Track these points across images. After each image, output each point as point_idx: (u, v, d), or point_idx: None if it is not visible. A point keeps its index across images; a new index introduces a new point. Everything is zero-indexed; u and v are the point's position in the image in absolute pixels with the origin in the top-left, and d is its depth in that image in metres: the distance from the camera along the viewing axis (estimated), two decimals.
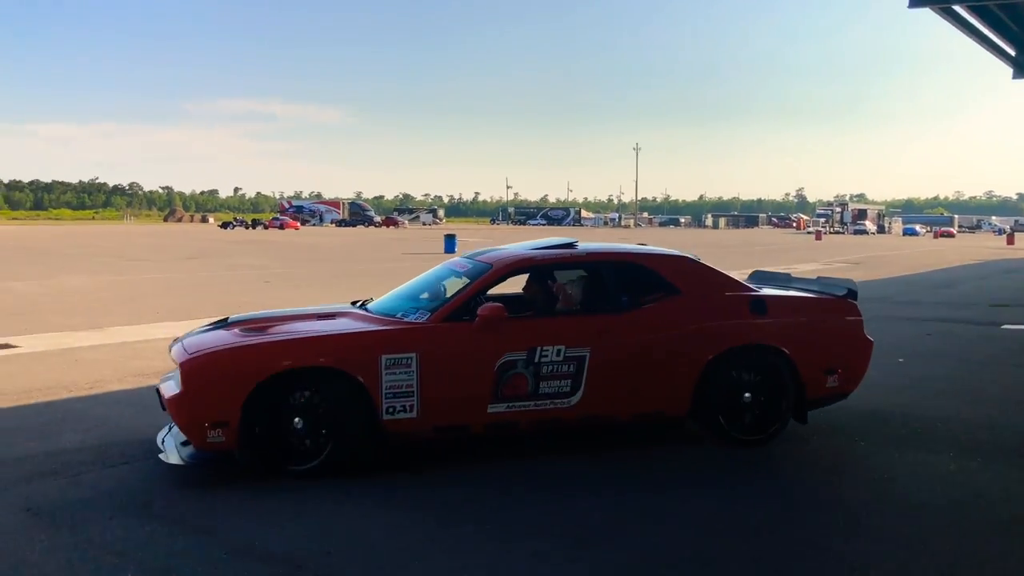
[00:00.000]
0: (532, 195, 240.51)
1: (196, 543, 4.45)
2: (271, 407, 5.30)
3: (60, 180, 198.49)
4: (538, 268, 6.58)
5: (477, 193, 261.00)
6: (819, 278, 7.58)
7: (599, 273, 6.35)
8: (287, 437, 5.35)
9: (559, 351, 5.73)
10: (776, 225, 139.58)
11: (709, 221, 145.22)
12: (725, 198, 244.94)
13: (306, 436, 5.36)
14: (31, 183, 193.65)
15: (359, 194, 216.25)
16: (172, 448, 5.64)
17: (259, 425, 5.27)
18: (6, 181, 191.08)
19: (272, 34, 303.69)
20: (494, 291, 6.26)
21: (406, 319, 5.88)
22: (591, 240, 9.11)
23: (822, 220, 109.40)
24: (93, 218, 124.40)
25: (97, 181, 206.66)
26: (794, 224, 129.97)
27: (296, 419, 5.34)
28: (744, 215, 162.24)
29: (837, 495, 5.36)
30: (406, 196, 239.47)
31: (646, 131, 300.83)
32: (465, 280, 6.15)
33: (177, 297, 17.20)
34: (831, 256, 39.37)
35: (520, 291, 6.83)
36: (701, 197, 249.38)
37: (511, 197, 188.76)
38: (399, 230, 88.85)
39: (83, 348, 10.69)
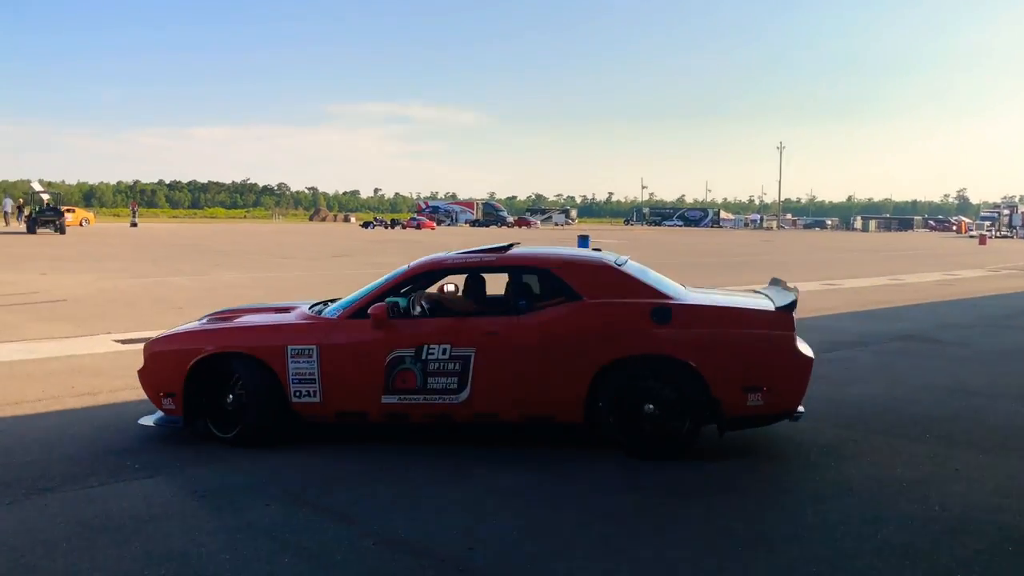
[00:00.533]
0: (668, 195, 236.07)
1: (345, 532, 4.64)
2: (208, 384, 6.33)
3: (215, 180, 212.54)
4: (448, 271, 6.89)
5: (611, 193, 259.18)
6: (771, 284, 7.40)
7: (509, 277, 6.60)
8: (221, 410, 6.35)
9: (444, 349, 6.06)
10: (933, 228, 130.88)
11: (858, 223, 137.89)
12: (876, 199, 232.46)
13: (233, 410, 6.30)
14: (189, 183, 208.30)
15: (492, 194, 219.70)
16: (149, 417, 6.79)
17: (198, 397, 6.35)
18: (168, 181, 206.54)
19: (413, 38, 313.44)
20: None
21: (323, 315, 6.57)
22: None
23: (987, 223, 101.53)
24: (244, 217, 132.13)
25: (248, 182, 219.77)
26: (954, 227, 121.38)
27: (227, 395, 6.33)
28: (897, 217, 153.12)
29: (1013, 520, 4.96)
30: (538, 196, 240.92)
31: (790, 128, 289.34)
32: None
33: (326, 293, 17.98)
34: (997, 263, 36.56)
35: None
36: (849, 198, 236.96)
37: (646, 197, 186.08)
38: (531, 230, 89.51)
39: None
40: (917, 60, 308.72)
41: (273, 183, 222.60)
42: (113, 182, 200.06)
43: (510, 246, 6.94)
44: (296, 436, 6.47)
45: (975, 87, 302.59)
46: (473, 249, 6.99)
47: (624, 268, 6.62)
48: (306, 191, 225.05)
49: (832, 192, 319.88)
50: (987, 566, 4.30)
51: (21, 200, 49.94)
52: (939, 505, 5.20)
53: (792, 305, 6.17)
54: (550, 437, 6.60)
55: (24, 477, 5.47)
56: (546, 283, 6.49)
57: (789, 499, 5.33)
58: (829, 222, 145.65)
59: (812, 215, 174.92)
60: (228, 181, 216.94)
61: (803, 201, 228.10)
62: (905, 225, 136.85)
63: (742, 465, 5.99)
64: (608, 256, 7.06)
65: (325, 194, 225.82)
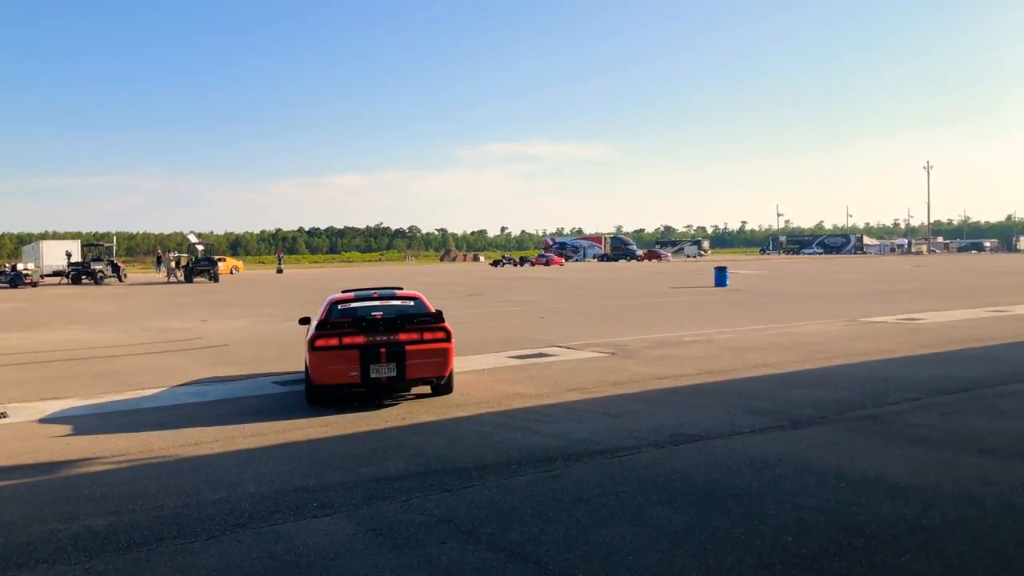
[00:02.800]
0: (805, 222, 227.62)
1: (521, 570, 4.64)
2: None
3: (351, 226, 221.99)
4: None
5: (744, 222, 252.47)
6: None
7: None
8: None
9: None
10: None
11: (1022, 244, 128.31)
12: None
13: None
14: (327, 229, 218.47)
15: (619, 228, 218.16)
16: None
17: None
18: (307, 228, 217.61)
19: (536, 77, 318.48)
20: None
21: None
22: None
23: None
24: (379, 259, 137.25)
25: (381, 226, 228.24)
26: None
27: None
28: None
29: None
30: (667, 228, 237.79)
31: (938, 145, 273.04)
32: None
33: (462, 333, 18.35)
34: None
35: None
36: (1009, 217, 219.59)
37: (781, 225, 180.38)
38: (662, 263, 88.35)
39: None
40: None
41: (404, 226, 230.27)
42: (256, 231, 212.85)
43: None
44: (463, 469, 6.60)
45: None
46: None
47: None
48: (436, 232, 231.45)
49: (988, 211, 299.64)
50: None
51: (180, 256, 54.10)
52: None
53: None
54: (728, 473, 6.43)
55: (217, 513, 5.81)
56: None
57: (991, 543, 4.93)
58: (987, 243, 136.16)
59: (966, 237, 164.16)
60: (362, 226, 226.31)
61: (955, 222, 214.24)
62: None
63: (931, 506, 5.61)
64: None
65: (454, 234, 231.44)
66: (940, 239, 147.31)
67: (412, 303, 11.22)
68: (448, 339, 10.05)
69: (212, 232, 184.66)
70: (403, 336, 9.85)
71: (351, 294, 11.40)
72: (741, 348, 14.66)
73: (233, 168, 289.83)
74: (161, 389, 11.48)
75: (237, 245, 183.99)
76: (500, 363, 13.39)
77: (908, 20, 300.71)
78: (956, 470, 6.58)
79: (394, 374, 9.76)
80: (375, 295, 11.36)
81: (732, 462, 6.96)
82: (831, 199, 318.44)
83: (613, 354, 14.18)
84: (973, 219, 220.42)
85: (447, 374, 10.21)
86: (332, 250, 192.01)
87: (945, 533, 5.13)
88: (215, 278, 47.02)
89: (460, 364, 12.96)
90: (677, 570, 4.59)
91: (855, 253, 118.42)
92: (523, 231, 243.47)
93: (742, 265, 66.65)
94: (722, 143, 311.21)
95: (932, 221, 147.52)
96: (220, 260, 55.26)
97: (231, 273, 58.34)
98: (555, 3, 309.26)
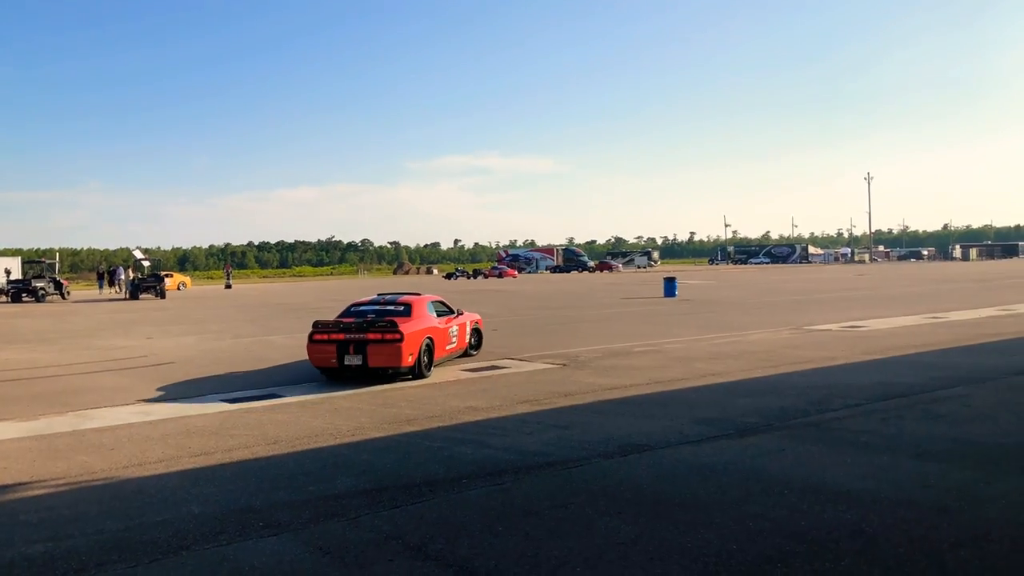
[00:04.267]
0: (752, 232, 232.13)
1: None
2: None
3: (302, 240, 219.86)
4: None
5: (693, 233, 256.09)
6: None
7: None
8: None
9: None
10: None
11: (957, 252, 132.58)
12: (974, 226, 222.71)
13: None
14: (277, 244, 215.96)
15: (571, 239, 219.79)
16: None
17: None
18: (256, 243, 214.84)
19: (488, 91, 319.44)
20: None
21: None
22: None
23: None
24: (331, 273, 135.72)
25: (333, 239, 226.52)
26: None
27: None
28: (999, 244, 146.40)
29: None
30: (618, 239, 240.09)
31: (878, 157, 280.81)
32: None
33: None
34: None
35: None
36: (945, 226, 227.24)
37: (729, 235, 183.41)
38: (613, 274, 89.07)
39: (339, 397, 11.64)
40: (1012, 75, 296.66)
41: (357, 239, 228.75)
42: (205, 245, 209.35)
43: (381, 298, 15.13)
44: (413, 485, 6.58)
45: None
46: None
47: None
48: (388, 245, 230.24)
49: (926, 221, 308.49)
50: None
51: (121, 267, 52.96)
52: None
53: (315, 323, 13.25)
54: (676, 482, 6.51)
55: (160, 536, 5.68)
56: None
57: (927, 546, 5.08)
58: (925, 252, 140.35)
59: (905, 246, 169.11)
60: (314, 240, 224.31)
61: (895, 232, 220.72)
62: (1009, 252, 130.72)
63: (870, 511, 5.76)
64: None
65: (407, 247, 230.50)
66: (881, 248, 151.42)
67: (401, 308, 14.26)
68: (401, 340, 12.70)
69: (159, 247, 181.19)
70: (370, 335, 12.85)
71: (367, 299, 15.47)
72: (690, 357, 14.87)
73: (181, 182, 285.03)
74: (104, 409, 11.20)
75: (185, 260, 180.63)
76: (452, 376, 13.37)
77: (849, 37, 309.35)
78: (895, 474, 6.76)
79: (360, 362, 12.81)
80: (382, 300, 14.93)
81: (680, 471, 7.06)
82: (777, 210, 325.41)
83: (565, 365, 14.26)
84: (912, 228, 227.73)
85: (403, 365, 12.83)
86: (283, 264, 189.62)
87: (884, 537, 5.26)
88: (162, 294, 46.00)
89: (410, 380, 13.00)
90: None
91: (801, 262, 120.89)
92: (476, 244, 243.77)
93: (691, 275, 67.60)
94: (671, 155, 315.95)
95: (874, 231, 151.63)
96: (167, 276, 54.15)
97: (178, 289, 57.15)
98: (503, 19, 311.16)
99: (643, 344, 17.13)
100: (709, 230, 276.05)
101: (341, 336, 12.92)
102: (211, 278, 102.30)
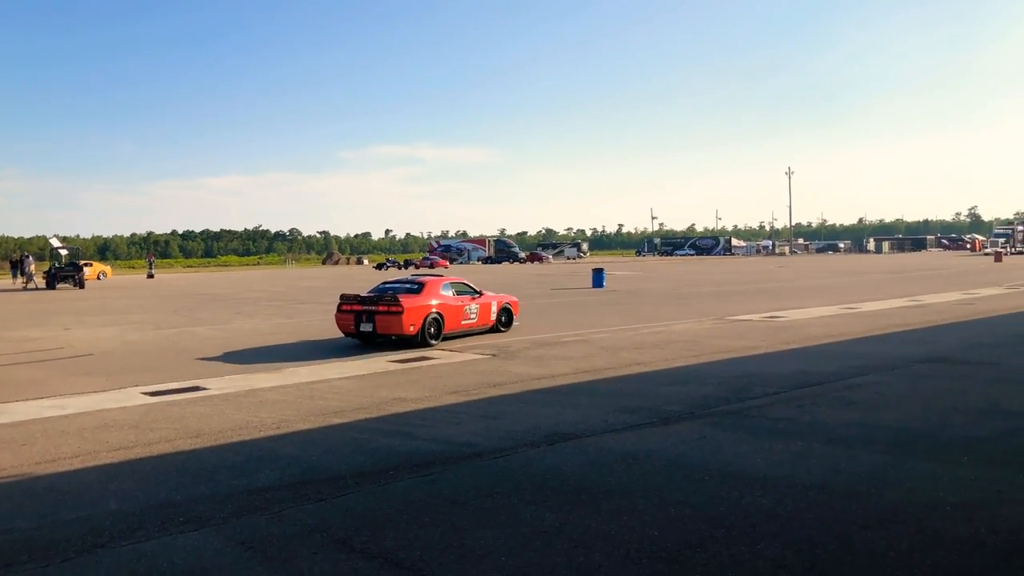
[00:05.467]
0: (678, 225, 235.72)
1: None
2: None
3: (228, 229, 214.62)
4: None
5: (621, 225, 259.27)
6: None
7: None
8: None
9: None
10: (947, 247, 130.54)
11: (871, 245, 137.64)
12: (887, 220, 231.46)
13: None
14: (202, 232, 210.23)
15: (503, 231, 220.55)
16: None
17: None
18: (180, 231, 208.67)
19: (422, 81, 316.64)
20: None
21: None
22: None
23: (1001, 240, 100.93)
24: (258, 263, 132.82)
25: (260, 228, 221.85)
26: (968, 245, 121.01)
27: None
28: (910, 237, 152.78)
29: None
30: (549, 231, 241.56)
31: (799, 152, 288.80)
32: None
33: (344, 338, 18.11)
34: (1015, 280, 36.34)
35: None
36: (861, 220, 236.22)
37: (656, 228, 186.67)
38: (544, 265, 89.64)
39: (265, 389, 11.44)
40: (923, 77, 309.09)
41: (285, 229, 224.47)
42: (127, 234, 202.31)
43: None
44: (340, 477, 6.55)
45: (983, 104, 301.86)
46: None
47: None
48: (318, 235, 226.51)
49: (843, 215, 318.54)
50: None
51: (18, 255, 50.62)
52: (986, 528, 5.18)
53: None
54: (601, 470, 6.64)
55: (74, 534, 5.51)
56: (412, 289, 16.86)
57: (837, 528, 5.30)
58: (842, 245, 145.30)
59: (824, 239, 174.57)
60: (240, 228, 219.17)
61: (814, 225, 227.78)
62: (919, 245, 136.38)
63: (785, 495, 5.97)
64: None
65: (337, 237, 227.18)
66: (801, 241, 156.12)
67: (415, 286, 16.85)
68: (401, 312, 15.51)
69: (78, 236, 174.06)
70: (379, 307, 15.79)
71: (394, 279, 18.68)
72: (616, 347, 15.11)
73: (102, 169, 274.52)
74: (16, 403, 10.76)
75: (106, 249, 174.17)
76: (381, 368, 13.29)
77: (772, 37, 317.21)
78: (809, 460, 7.03)
79: (371, 330, 15.88)
80: (405, 280, 17.80)
81: (605, 459, 7.19)
82: (702, 203, 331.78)
83: (494, 356, 14.32)
84: (830, 222, 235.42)
85: (404, 333, 15.66)
86: (208, 254, 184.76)
87: (797, 520, 5.47)
88: (81, 284, 44.25)
89: (336, 371, 12.91)
90: (548, 569, 4.71)
91: (724, 254, 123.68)
92: (408, 234, 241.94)
93: (619, 266, 68.51)
94: (601, 148, 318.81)
95: (794, 224, 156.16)
96: (86, 265, 52.14)
97: (98, 279, 55.04)
98: (438, 10, 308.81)
99: (571, 334, 17.33)
100: (637, 222, 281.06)
101: (358, 307, 16.09)
102: (133, 267, 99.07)
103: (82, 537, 5.45)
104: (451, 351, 15.10)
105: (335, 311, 16.64)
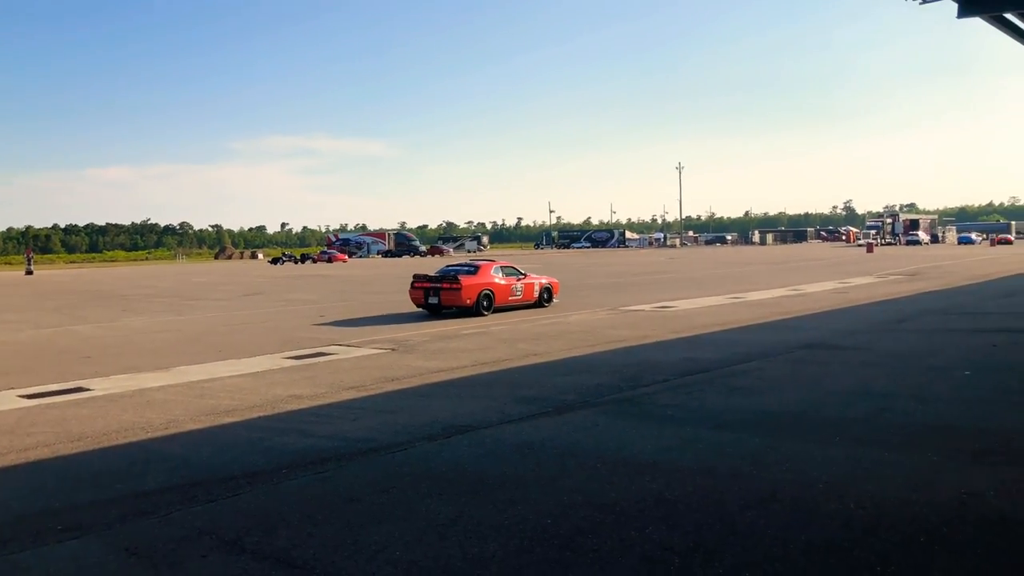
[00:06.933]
0: (575, 218, 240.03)
1: None
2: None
3: (114, 223, 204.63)
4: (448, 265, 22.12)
5: (520, 218, 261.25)
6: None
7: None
8: None
9: None
10: (825, 239, 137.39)
11: (756, 237, 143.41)
12: (771, 213, 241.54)
13: None
14: (86, 226, 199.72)
15: (403, 224, 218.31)
16: None
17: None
18: (63, 226, 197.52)
19: (316, 71, 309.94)
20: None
21: None
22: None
23: (873, 232, 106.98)
24: (146, 259, 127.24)
25: (149, 222, 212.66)
26: (843, 237, 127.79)
27: None
28: (791, 230, 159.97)
29: (922, 512, 5.31)
30: (449, 224, 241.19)
31: (689, 148, 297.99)
32: None
33: (237, 334, 17.64)
34: (884, 269, 38.64)
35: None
36: (747, 213, 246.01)
37: (554, 221, 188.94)
38: (445, 259, 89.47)
39: (153, 389, 11.03)
40: (803, 77, 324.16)
41: (175, 222, 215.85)
42: (3, 228, 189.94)
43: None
44: (231, 477, 6.39)
45: (858, 103, 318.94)
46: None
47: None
48: (210, 229, 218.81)
49: (730, 208, 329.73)
50: (903, 557, 4.60)
51: None
52: (855, 503, 5.53)
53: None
54: (496, 461, 6.72)
55: None
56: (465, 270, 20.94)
57: (721, 509, 5.56)
58: (729, 237, 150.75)
59: (712, 231, 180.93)
60: (128, 222, 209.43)
61: (703, 218, 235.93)
62: (800, 237, 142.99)
63: (673, 480, 6.21)
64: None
65: (230, 231, 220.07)
66: (691, 233, 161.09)
67: (471, 268, 20.79)
68: (460, 288, 19.57)
69: None
70: (443, 284, 19.94)
71: (456, 262, 22.74)
72: (514, 339, 15.28)
73: None
74: None
75: None
76: (276, 365, 13.01)
77: (664, 37, 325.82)
78: (696, 445, 7.32)
79: (437, 302, 20.02)
80: (464, 264, 21.73)
81: (500, 450, 7.29)
82: (598, 197, 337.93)
83: (393, 350, 14.24)
84: (718, 215, 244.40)
85: (463, 304, 19.72)
86: (93, 249, 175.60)
87: (684, 504, 5.70)
88: None
89: (229, 369, 12.60)
90: (442, 562, 4.76)
91: (619, 247, 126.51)
92: (305, 227, 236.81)
93: (518, 259, 68.82)
94: (500, 141, 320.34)
95: (684, 217, 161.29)
96: None
97: None
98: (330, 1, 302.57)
99: (470, 327, 17.40)
100: (536, 216, 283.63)
101: (427, 284, 20.33)
102: (10, 264, 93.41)
103: None
104: (348, 346, 14.92)
105: (408, 287, 21.11)
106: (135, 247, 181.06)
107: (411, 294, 20.71)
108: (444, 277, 20.11)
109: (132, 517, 5.71)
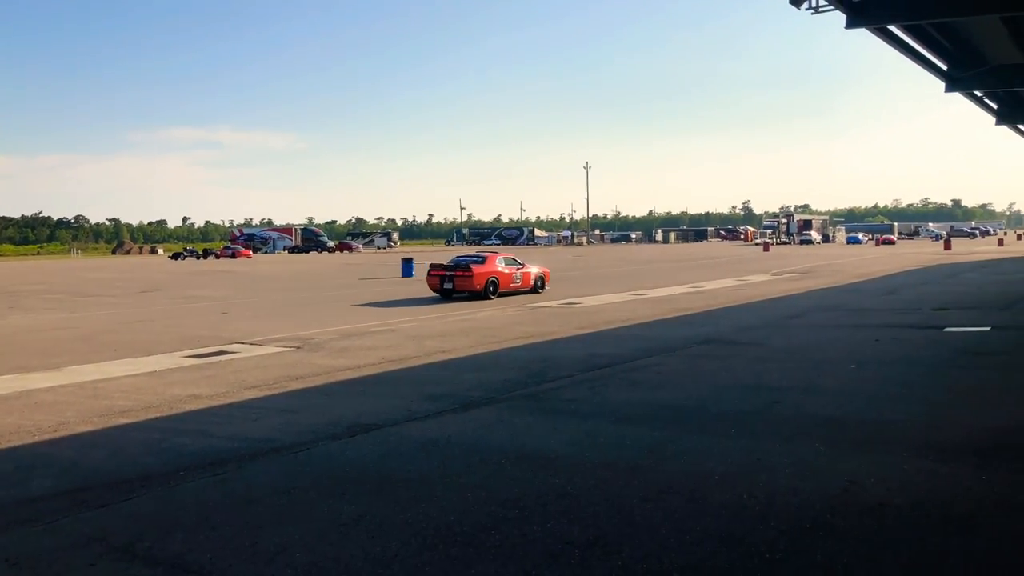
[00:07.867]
0: (486, 215, 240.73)
1: None
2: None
3: (1, 216, 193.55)
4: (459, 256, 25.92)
5: (431, 215, 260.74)
6: None
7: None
8: None
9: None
10: (724, 238, 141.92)
11: (660, 236, 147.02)
12: (674, 212, 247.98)
13: None
14: None
15: (311, 219, 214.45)
16: None
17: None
18: None
19: (219, 60, 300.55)
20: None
21: None
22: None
23: (769, 231, 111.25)
24: (38, 253, 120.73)
25: (41, 215, 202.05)
26: (742, 236, 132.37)
27: None
28: (693, 229, 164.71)
29: (809, 500, 5.58)
30: (359, 220, 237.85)
31: (596, 149, 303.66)
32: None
33: (134, 332, 16.98)
34: (779, 267, 40.25)
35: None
36: (651, 212, 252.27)
37: (465, 218, 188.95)
38: (354, 255, 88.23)
39: (41, 390, 10.52)
40: (709, 84, 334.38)
41: (69, 216, 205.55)
42: None
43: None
44: (124, 480, 6.16)
45: (757, 111, 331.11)
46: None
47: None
48: (107, 223, 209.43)
49: (635, 207, 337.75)
50: (790, 543, 4.84)
51: None
52: (747, 494, 5.76)
53: None
54: (401, 459, 6.69)
55: None
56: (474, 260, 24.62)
57: (620, 502, 5.70)
58: (634, 235, 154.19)
59: (618, 229, 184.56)
60: (17, 215, 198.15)
61: (609, 217, 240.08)
62: (700, 235, 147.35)
63: (575, 474, 6.33)
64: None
65: (128, 225, 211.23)
66: (597, 231, 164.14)
67: (480, 258, 24.21)
68: (472, 276, 22.89)
69: None
70: (457, 272, 23.26)
71: (467, 253, 26.57)
72: (422, 336, 15.24)
73: None
74: None
75: None
76: (175, 364, 12.58)
77: (574, 40, 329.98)
78: (597, 438, 7.48)
79: (451, 287, 23.19)
80: (473, 255, 25.34)
81: (405, 448, 7.27)
82: (508, 194, 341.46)
83: (298, 348, 13.99)
84: (623, 214, 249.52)
85: (474, 289, 22.90)
86: None
87: (585, 497, 5.82)
88: None
89: (124, 368, 12.13)
90: (344, 562, 4.72)
91: (528, 244, 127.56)
92: (208, 222, 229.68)
93: (429, 256, 68.63)
94: (411, 138, 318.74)
95: (591, 216, 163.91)
96: None
97: None
98: None
99: (378, 324, 17.24)
100: (447, 213, 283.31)
101: (443, 272, 23.64)
102: None
103: None
104: (251, 344, 14.56)
105: (425, 275, 25.05)
106: (25, 241, 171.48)
107: (428, 280, 24.16)
108: (457, 266, 23.49)
109: (14, 526, 5.45)
